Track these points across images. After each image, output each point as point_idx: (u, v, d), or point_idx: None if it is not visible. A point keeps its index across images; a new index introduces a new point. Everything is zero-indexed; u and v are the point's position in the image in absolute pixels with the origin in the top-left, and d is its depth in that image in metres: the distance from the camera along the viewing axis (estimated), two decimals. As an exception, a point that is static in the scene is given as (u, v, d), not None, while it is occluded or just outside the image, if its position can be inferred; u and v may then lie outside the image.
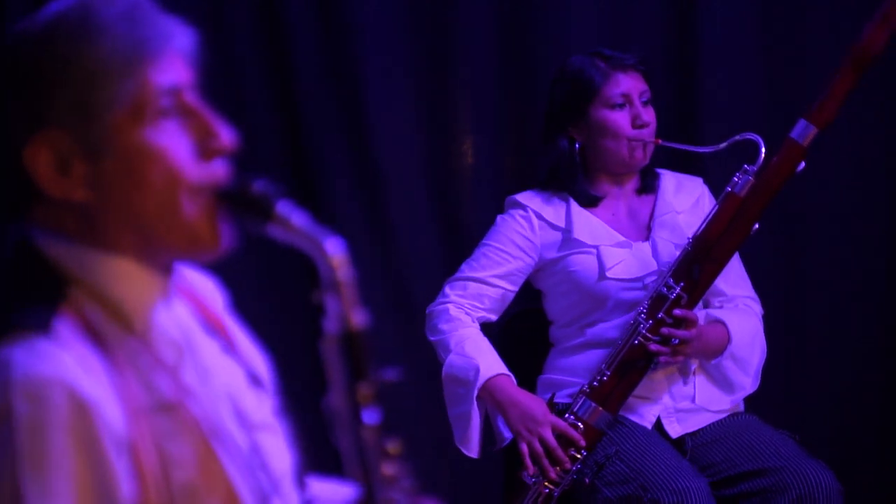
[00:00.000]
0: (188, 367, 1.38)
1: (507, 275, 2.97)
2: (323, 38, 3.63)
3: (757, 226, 2.82)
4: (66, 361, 1.24)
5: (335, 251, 1.32)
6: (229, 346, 1.47)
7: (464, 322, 2.94)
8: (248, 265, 3.46)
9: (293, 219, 1.33)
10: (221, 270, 1.46)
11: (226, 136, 1.35)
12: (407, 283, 3.68)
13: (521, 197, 3.02)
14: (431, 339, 2.97)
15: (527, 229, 2.98)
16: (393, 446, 1.33)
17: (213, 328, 1.47)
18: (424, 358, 3.19)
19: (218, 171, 1.36)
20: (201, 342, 1.44)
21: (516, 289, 3.00)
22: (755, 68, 3.72)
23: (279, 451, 1.45)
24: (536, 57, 3.67)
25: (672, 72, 3.68)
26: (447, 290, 2.99)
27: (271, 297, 3.61)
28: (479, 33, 3.67)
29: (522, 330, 3.11)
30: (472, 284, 2.97)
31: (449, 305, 2.96)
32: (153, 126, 1.32)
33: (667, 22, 3.71)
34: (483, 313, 2.98)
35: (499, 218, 3.03)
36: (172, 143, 1.32)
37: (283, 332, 3.51)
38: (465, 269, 3.00)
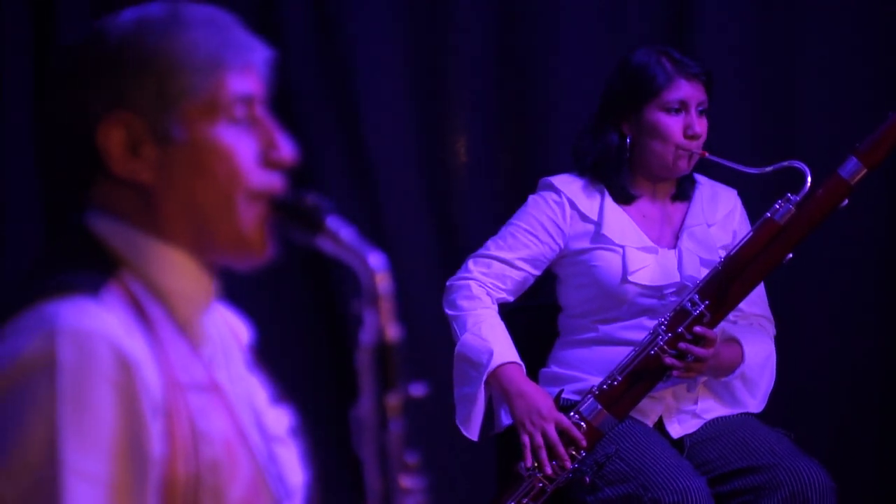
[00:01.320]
0: (221, 366, 1.43)
1: (532, 258, 2.94)
2: (319, 37, 3.62)
3: (791, 255, 2.81)
4: (111, 321, 1.28)
5: (378, 266, 1.38)
6: (253, 366, 1.53)
7: (483, 302, 2.91)
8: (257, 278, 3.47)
9: (341, 233, 1.39)
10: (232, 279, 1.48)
11: (288, 150, 1.41)
12: (402, 282, 3.63)
13: (557, 180, 2.96)
14: (449, 313, 2.93)
15: (558, 215, 2.93)
16: (412, 460, 1.38)
17: (241, 348, 1.53)
18: (421, 356, 3.22)
19: (276, 182, 1.40)
20: (233, 352, 1.49)
21: (539, 273, 2.96)
22: (752, 70, 3.70)
23: (293, 466, 1.50)
24: (531, 55, 3.65)
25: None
26: (471, 265, 2.95)
27: (279, 307, 3.61)
28: (473, 32, 3.65)
29: (524, 323, 3.08)
30: (496, 264, 2.93)
31: (471, 282, 2.93)
32: (224, 126, 1.37)
33: (665, 22, 3.69)
34: (503, 294, 2.94)
35: (530, 198, 2.99)
36: (239, 144, 1.38)
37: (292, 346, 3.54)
38: (491, 247, 2.95)
